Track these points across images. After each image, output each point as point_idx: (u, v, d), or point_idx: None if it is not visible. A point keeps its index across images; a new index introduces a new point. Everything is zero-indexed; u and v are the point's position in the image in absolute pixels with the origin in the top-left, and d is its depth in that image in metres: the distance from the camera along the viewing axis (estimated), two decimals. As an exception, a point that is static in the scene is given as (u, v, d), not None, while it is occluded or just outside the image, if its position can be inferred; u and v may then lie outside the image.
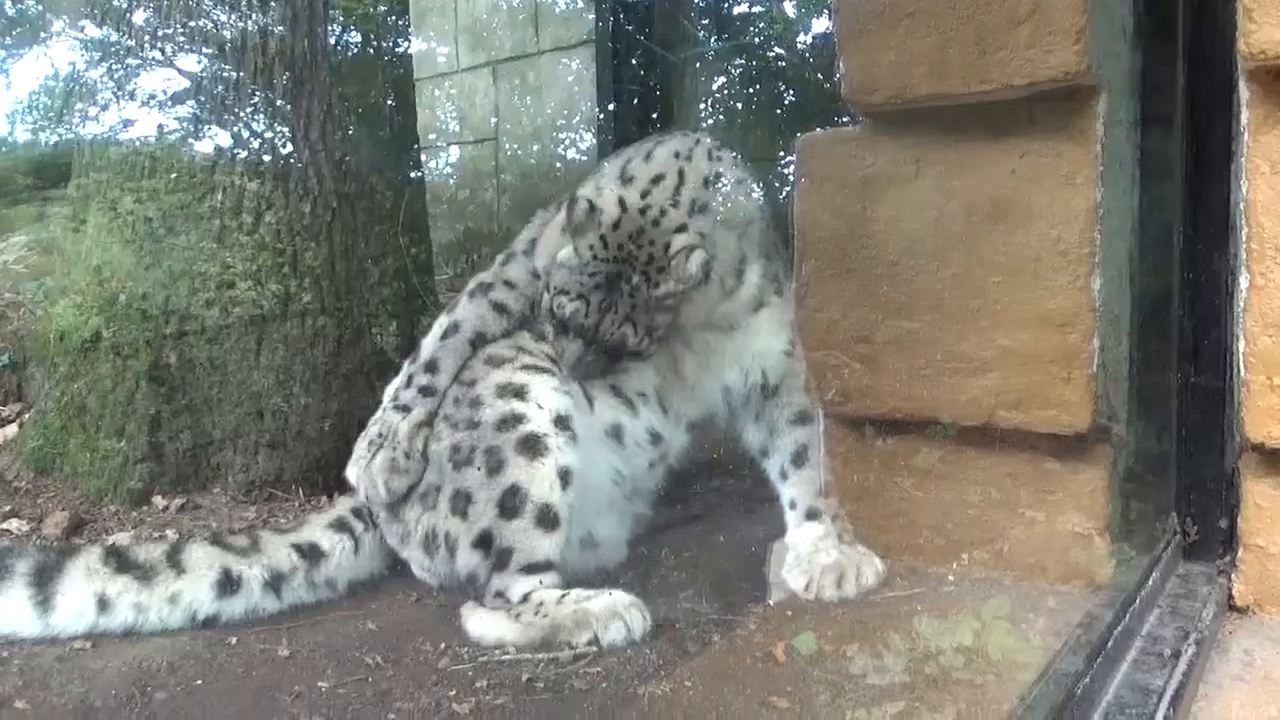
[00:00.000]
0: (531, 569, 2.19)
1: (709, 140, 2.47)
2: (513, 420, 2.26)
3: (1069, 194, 1.87)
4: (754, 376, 2.48)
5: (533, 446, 2.23)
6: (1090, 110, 1.85)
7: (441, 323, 2.52)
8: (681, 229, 2.25)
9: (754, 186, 2.58)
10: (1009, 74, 1.85)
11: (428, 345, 2.49)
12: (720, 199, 2.38)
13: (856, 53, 2.04)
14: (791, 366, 2.44)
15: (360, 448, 2.42)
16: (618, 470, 2.49)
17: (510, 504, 2.20)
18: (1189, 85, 2.00)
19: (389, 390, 2.54)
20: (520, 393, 2.31)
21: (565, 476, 2.24)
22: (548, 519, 2.20)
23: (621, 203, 2.26)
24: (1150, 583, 1.83)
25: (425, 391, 2.41)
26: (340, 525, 2.48)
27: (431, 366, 2.43)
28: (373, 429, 2.43)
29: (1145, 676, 1.55)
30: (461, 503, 2.26)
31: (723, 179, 2.41)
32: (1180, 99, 2.01)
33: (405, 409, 2.39)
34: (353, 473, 2.40)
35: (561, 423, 2.29)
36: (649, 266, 2.24)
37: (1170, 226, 2.04)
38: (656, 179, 2.33)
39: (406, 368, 2.51)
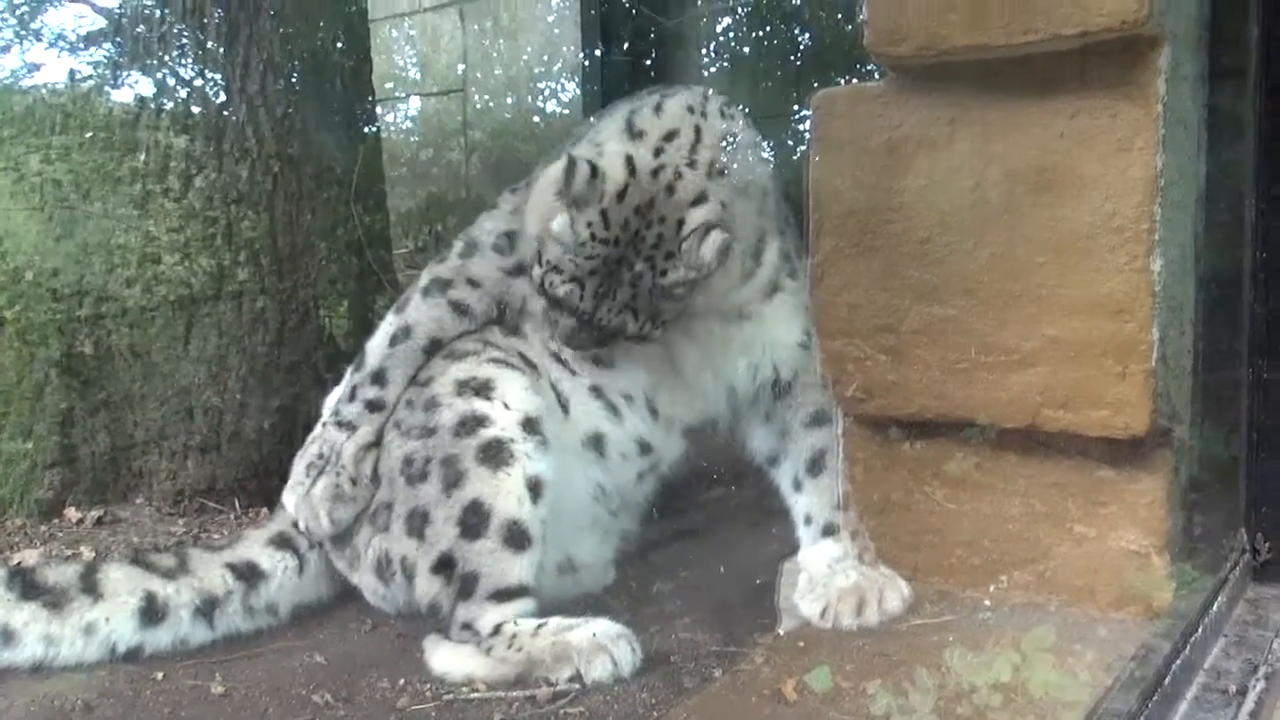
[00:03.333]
0: (502, 596, 2.20)
1: (717, 95, 2.47)
2: (473, 423, 2.27)
3: (1125, 161, 1.88)
4: (764, 371, 2.48)
5: (496, 454, 2.24)
6: (1151, 64, 1.86)
7: (390, 325, 2.51)
8: (700, 199, 2.24)
9: (766, 149, 2.58)
10: (1057, 22, 1.86)
11: (375, 351, 2.49)
12: (738, 162, 2.38)
13: (881, -5, 2.04)
14: (807, 360, 2.44)
15: (298, 470, 2.43)
16: (599, 484, 2.50)
17: (472, 522, 2.21)
18: (1265, 35, 2.01)
19: (329, 401, 2.55)
20: (483, 389, 2.32)
21: (535, 488, 2.25)
22: (517, 537, 2.21)
23: (630, 163, 2.24)
24: (1214, 609, 1.85)
25: (372, 406, 2.41)
26: (282, 542, 2.49)
27: (379, 377, 2.44)
28: (312, 448, 2.44)
29: (1208, 716, 1.58)
30: (417, 522, 2.27)
31: (738, 139, 2.41)
32: (1255, 51, 2.02)
33: (350, 426, 2.40)
34: (290, 500, 2.41)
35: (530, 426, 2.30)
36: (656, 251, 2.22)
37: (1242, 198, 2.05)
38: (670, 134, 2.30)
39: (350, 377, 2.52)
